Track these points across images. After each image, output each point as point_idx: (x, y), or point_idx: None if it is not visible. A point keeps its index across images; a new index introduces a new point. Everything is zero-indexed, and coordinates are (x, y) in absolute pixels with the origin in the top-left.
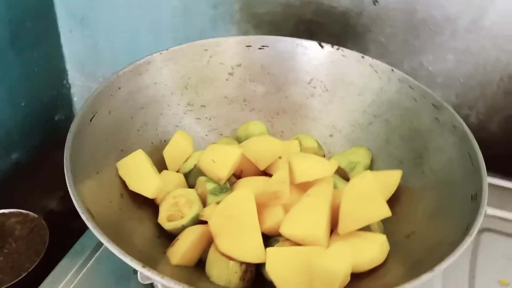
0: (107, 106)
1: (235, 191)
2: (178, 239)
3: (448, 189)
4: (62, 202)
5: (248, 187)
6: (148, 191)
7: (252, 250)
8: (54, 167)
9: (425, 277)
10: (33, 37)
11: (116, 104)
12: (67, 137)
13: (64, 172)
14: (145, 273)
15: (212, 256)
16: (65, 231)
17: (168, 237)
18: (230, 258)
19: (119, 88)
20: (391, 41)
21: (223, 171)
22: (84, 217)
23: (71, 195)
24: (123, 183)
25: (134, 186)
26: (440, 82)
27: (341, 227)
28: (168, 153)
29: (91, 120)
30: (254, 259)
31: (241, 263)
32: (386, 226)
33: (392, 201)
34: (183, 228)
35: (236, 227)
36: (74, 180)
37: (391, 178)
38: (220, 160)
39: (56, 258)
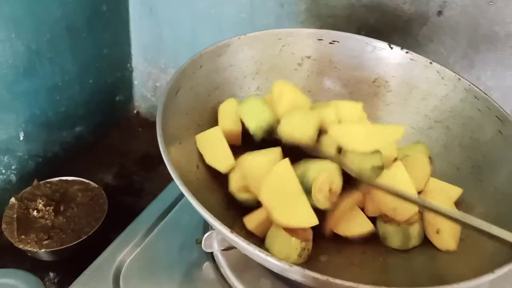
0: (190, 82)
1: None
2: (258, 210)
3: (508, 201)
4: (116, 177)
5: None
6: (222, 167)
7: (305, 216)
8: (110, 144)
9: (485, 278)
10: (106, 20)
11: (197, 81)
12: (158, 108)
13: (118, 151)
14: (223, 231)
15: (274, 231)
16: (118, 204)
17: (237, 209)
18: (287, 229)
19: (201, 66)
20: (451, 53)
21: None
22: (174, 176)
23: (164, 159)
24: (200, 155)
25: (209, 160)
26: (496, 97)
27: None
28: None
29: (176, 93)
30: (308, 223)
31: (301, 241)
32: None
33: None
34: (255, 199)
35: (285, 198)
36: (166, 146)
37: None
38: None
39: (111, 228)
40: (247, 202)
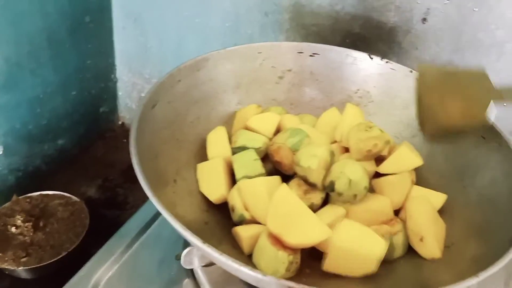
0: (168, 96)
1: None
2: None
3: (492, 205)
4: (100, 190)
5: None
6: (213, 197)
7: (317, 231)
8: (94, 157)
9: (469, 282)
10: (89, 31)
11: (175, 95)
12: (133, 120)
13: (102, 163)
14: (204, 249)
15: (261, 246)
16: (101, 218)
17: (216, 224)
18: (275, 243)
19: (179, 80)
20: (436, 60)
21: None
22: (147, 189)
23: (136, 171)
24: (178, 169)
25: (203, 189)
26: None
27: None
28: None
29: (153, 107)
30: (322, 236)
31: (288, 254)
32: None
33: None
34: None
35: (293, 220)
36: (139, 160)
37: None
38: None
39: (93, 243)
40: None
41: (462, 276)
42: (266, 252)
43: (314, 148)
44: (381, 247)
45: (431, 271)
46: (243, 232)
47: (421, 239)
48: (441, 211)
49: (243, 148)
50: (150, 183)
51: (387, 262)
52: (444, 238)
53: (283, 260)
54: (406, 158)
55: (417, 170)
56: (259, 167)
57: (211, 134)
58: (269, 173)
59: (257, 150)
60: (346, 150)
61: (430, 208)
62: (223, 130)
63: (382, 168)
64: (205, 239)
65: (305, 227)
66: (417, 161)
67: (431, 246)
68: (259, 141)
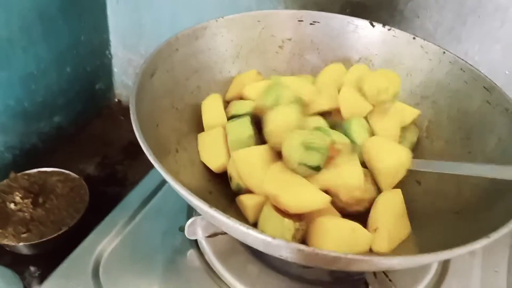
0: (166, 65)
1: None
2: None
3: None
4: (99, 167)
5: None
6: (214, 165)
7: (315, 197)
8: (91, 134)
9: (482, 243)
10: (82, 6)
11: (173, 64)
12: (131, 89)
13: (100, 140)
14: (212, 213)
15: (266, 214)
16: (101, 195)
17: (220, 193)
18: (280, 211)
19: (177, 49)
20: (438, 28)
21: None
22: (151, 157)
23: (139, 140)
24: (179, 139)
25: (204, 159)
26: (484, 72)
27: None
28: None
29: (151, 76)
30: (320, 203)
31: (294, 221)
32: (433, 202)
33: (437, 180)
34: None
35: (290, 186)
36: (141, 128)
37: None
38: None
39: (93, 219)
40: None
41: (473, 237)
42: (272, 220)
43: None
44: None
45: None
46: (248, 200)
47: (376, 230)
48: (446, 176)
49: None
50: (153, 151)
51: None
52: (400, 239)
53: (289, 227)
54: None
55: (421, 137)
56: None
57: (206, 102)
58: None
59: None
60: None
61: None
62: (218, 97)
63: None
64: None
65: (302, 192)
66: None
67: (381, 239)
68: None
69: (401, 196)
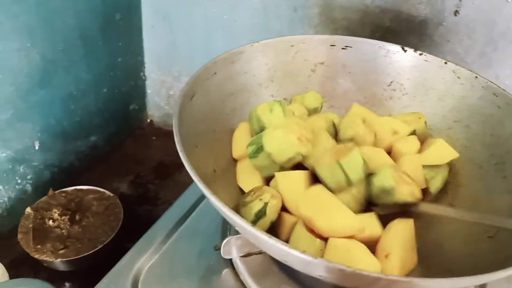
0: (204, 88)
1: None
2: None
3: None
4: (132, 186)
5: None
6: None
7: (349, 223)
8: (125, 153)
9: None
10: (120, 29)
11: (211, 87)
12: (174, 111)
13: (132, 160)
14: (252, 231)
15: (299, 233)
16: (133, 213)
17: None
18: (325, 236)
19: (215, 73)
20: (468, 53)
21: None
22: (195, 178)
23: (183, 160)
24: (216, 160)
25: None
26: None
27: None
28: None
29: (191, 99)
30: (352, 231)
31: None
32: (467, 226)
33: (472, 202)
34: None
35: (325, 208)
36: (184, 148)
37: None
38: None
39: (126, 237)
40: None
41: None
42: (303, 239)
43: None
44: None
45: None
46: (289, 218)
47: (387, 256)
48: (481, 201)
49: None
50: (196, 171)
51: None
52: (410, 268)
53: (321, 247)
54: (443, 151)
55: (454, 161)
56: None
57: (237, 133)
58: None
59: None
60: None
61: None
62: (246, 127)
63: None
64: None
65: (337, 215)
66: (453, 153)
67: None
68: None
69: (413, 225)
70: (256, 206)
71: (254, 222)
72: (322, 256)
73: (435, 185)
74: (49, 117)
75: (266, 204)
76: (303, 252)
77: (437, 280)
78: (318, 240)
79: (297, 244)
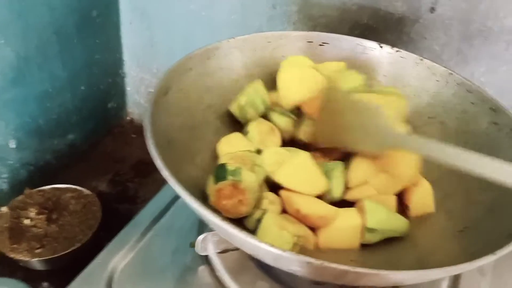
0: (179, 84)
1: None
2: None
3: (506, 190)
4: (110, 184)
5: None
6: None
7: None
8: (103, 152)
9: (487, 259)
10: (97, 26)
11: (186, 83)
12: (146, 107)
13: (111, 158)
14: (223, 226)
15: (266, 224)
16: (112, 212)
17: None
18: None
19: (190, 68)
20: (445, 50)
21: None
22: (165, 173)
23: (154, 156)
24: (191, 156)
25: None
26: (491, 93)
27: None
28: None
29: (165, 95)
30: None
31: (293, 235)
32: (437, 222)
33: (444, 198)
34: None
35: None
36: (156, 144)
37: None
38: None
39: (105, 236)
40: None
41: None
42: (271, 232)
43: None
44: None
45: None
46: None
47: None
48: (454, 196)
49: None
50: (167, 167)
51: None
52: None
53: (287, 240)
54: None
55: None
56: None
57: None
58: None
59: None
60: None
61: None
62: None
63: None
64: None
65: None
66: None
67: None
68: None
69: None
70: (257, 215)
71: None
72: (291, 250)
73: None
74: (24, 115)
75: (264, 211)
76: (273, 245)
77: (406, 272)
78: (285, 232)
79: (264, 235)
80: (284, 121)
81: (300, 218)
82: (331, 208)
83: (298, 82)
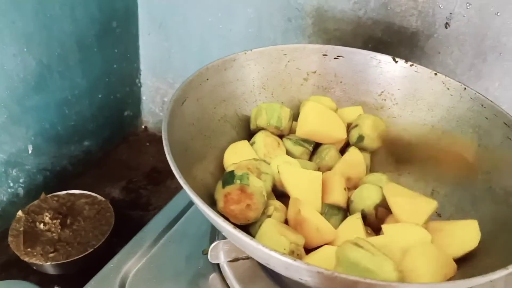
0: (196, 93)
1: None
2: None
3: None
4: (124, 191)
5: None
6: None
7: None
8: (118, 159)
9: (499, 274)
10: (116, 36)
11: (203, 93)
12: (163, 115)
13: (125, 165)
14: (235, 234)
15: (266, 228)
16: (125, 218)
17: None
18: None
19: (207, 79)
20: (458, 65)
21: None
22: (181, 181)
23: (171, 164)
24: (205, 164)
25: None
26: (504, 108)
27: None
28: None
29: (182, 104)
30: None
31: (290, 242)
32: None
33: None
34: None
35: None
36: (172, 152)
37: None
38: None
39: (117, 242)
40: None
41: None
42: (269, 237)
43: None
44: None
45: None
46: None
47: None
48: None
49: None
50: (183, 174)
51: None
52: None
53: (284, 245)
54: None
55: None
56: None
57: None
58: None
59: None
60: None
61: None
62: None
63: None
64: None
65: None
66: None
67: None
68: None
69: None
70: (261, 220)
71: None
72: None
73: None
74: (44, 121)
75: (269, 217)
76: (284, 254)
77: (417, 285)
78: (282, 237)
79: (261, 241)
80: (298, 150)
81: (298, 222)
82: (333, 229)
83: (319, 116)
